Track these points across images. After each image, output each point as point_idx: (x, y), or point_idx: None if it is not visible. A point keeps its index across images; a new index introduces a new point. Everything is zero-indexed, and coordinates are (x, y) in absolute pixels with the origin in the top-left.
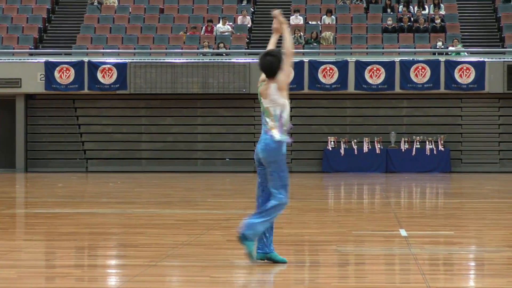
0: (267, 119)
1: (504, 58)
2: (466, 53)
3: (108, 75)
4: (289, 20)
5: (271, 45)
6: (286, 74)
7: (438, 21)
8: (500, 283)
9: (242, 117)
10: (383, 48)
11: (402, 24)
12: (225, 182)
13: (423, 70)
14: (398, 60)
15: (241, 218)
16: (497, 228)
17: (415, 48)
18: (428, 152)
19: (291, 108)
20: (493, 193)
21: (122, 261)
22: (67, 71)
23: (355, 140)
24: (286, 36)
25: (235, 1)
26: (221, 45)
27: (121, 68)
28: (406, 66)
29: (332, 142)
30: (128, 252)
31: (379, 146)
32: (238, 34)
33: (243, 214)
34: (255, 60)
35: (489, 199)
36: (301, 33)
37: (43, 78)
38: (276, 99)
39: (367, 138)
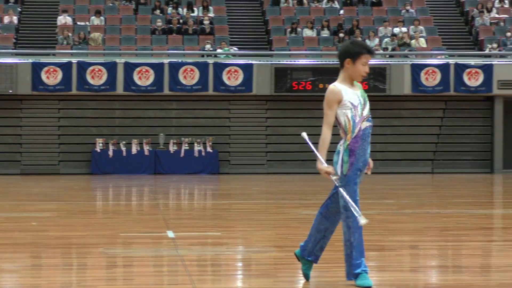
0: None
1: (272, 61)
2: (231, 55)
3: None
4: (56, 21)
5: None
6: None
7: (207, 23)
8: (267, 283)
9: (8, 119)
10: (152, 50)
11: (171, 26)
12: None
13: (192, 72)
14: (167, 62)
15: (8, 221)
16: (264, 228)
17: (184, 50)
18: (196, 154)
19: (58, 109)
20: (260, 194)
21: None
22: None
23: (124, 142)
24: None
25: (2, 1)
26: None
27: None
28: (175, 68)
29: (101, 144)
30: None
31: (147, 147)
32: (5, 34)
33: (8, 217)
34: (22, 60)
35: (256, 200)
36: (69, 34)
37: None
38: None
39: (135, 140)
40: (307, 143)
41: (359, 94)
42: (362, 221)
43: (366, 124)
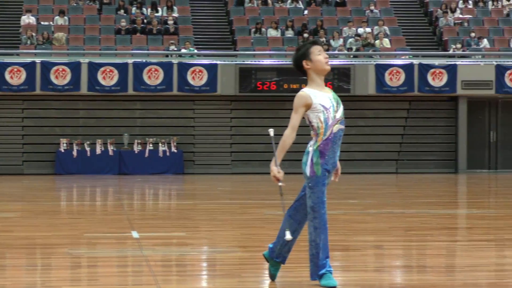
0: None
1: (236, 61)
2: (196, 55)
3: None
4: (20, 21)
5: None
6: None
7: (171, 23)
8: (231, 283)
9: None
10: (116, 50)
11: (135, 25)
12: None
13: (156, 72)
14: (131, 62)
15: None
16: (228, 228)
17: (148, 50)
18: (161, 154)
19: (22, 109)
20: (224, 194)
21: None
22: None
23: (88, 142)
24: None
25: None
26: None
27: None
28: (139, 68)
29: (65, 144)
30: None
31: (112, 147)
32: None
33: None
34: None
35: (221, 200)
36: (33, 34)
37: None
38: None
39: (100, 140)
40: (271, 142)
41: (331, 97)
42: (288, 236)
43: (338, 127)
